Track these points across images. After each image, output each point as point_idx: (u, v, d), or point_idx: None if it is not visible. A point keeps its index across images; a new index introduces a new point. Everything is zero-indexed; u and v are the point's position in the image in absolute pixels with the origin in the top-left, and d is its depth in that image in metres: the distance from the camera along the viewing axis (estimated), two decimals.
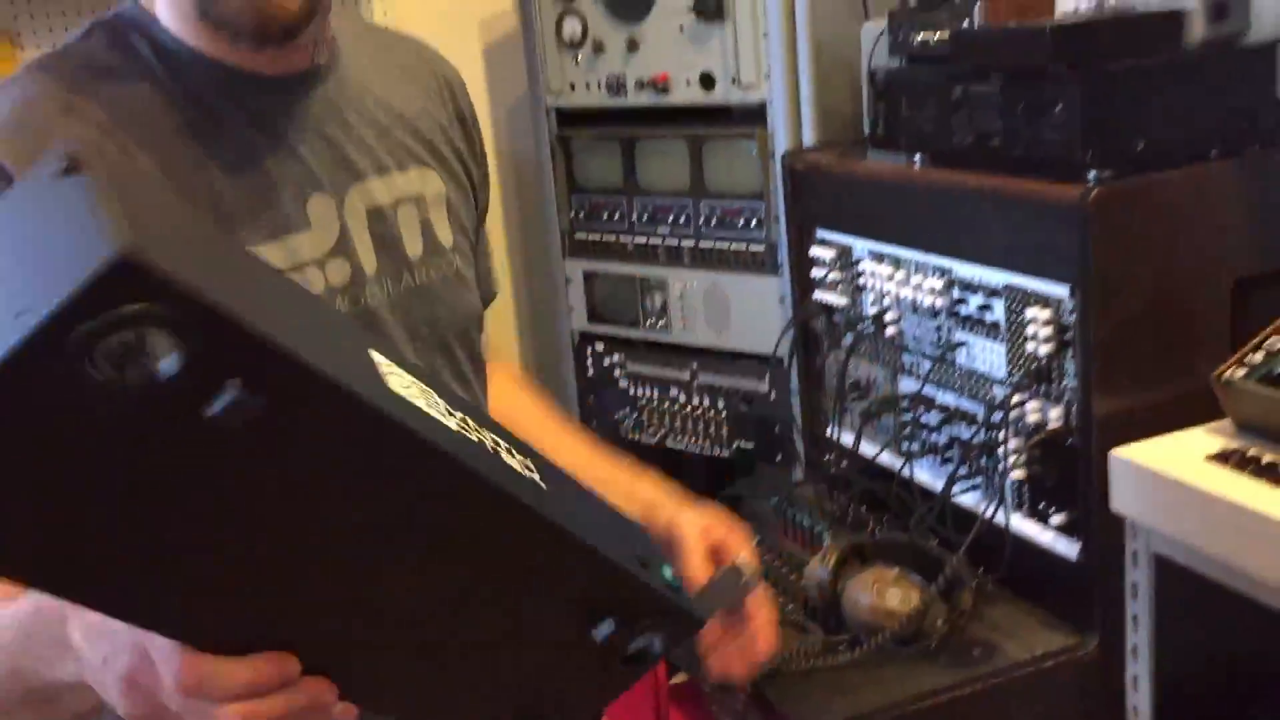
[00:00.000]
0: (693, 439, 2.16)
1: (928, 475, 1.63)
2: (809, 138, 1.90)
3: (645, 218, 2.14)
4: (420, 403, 0.64)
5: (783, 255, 1.94)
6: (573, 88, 2.16)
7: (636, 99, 2.07)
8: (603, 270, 2.22)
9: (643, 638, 0.74)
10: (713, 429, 2.13)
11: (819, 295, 1.82)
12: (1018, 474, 1.47)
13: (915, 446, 1.64)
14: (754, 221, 1.98)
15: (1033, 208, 1.37)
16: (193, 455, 0.55)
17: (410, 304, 1.04)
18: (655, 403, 2.20)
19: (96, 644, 0.69)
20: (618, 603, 0.72)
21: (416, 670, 0.72)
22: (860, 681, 1.35)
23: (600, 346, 2.26)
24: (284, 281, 0.74)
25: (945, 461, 1.61)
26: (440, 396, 0.68)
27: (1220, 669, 1.40)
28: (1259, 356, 1.26)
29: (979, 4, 1.48)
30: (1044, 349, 1.40)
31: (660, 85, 2.02)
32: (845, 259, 1.76)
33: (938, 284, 1.56)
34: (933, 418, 1.62)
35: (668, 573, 0.77)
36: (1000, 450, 1.48)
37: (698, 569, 1.07)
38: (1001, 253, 1.44)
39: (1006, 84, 1.40)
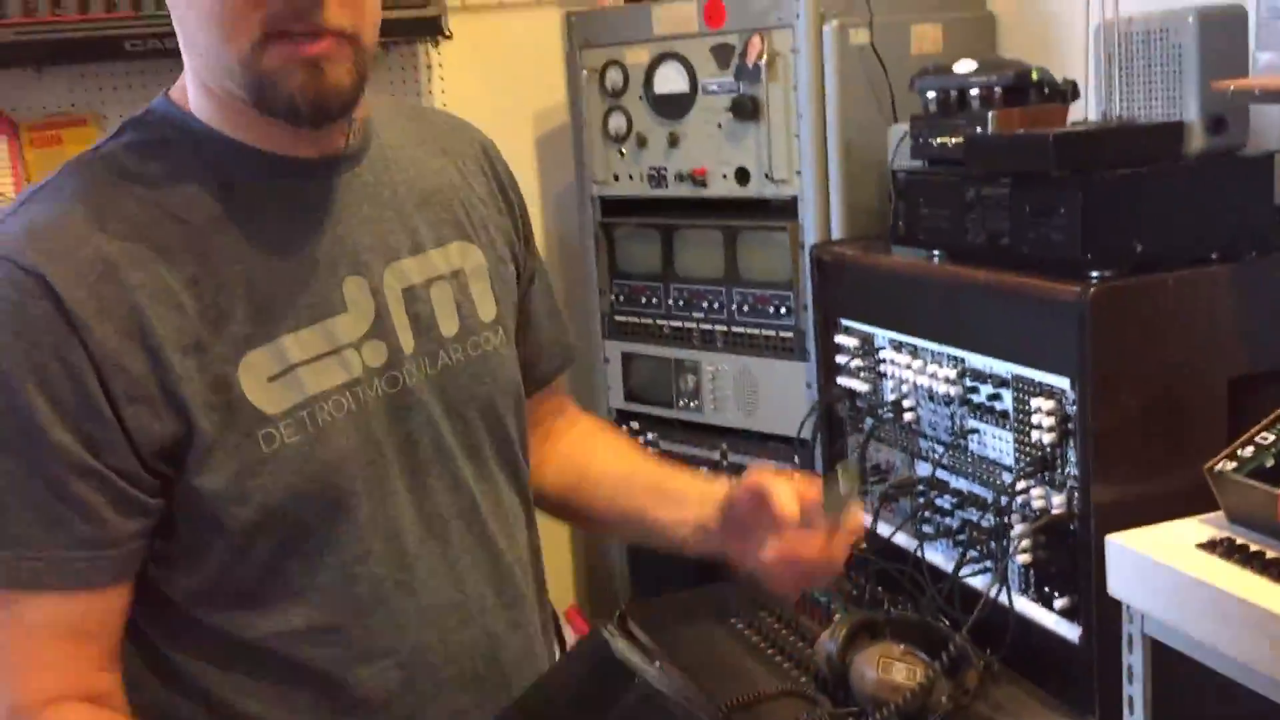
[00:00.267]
0: None
1: (941, 557, 1.69)
2: (837, 231, 2.00)
3: (681, 303, 2.24)
4: None
5: (810, 342, 2.02)
6: (616, 178, 2.28)
7: (676, 190, 2.19)
8: (640, 352, 2.32)
9: None
10: None
11: (843, 381, 1.90)
12: (1024, 558, 1.53)
13: (930, 529, 1.70)
14: (784, 309, 2.07)
15: (1036, 303, 1.45)
16: None
17: (446, 383, 1.04)
18: None
19: None
20: None
21: None
22: None
23: (636, 425, 2.35)
24: None
25: (958, 544, 1.67)
26: None
27: None
28: (1249, 451, 1.32)
29: (992, 113, 1.57)
30: (1048, 438, 1.47)
31: (698, 178, 2.14)
32: (868, 347, 1.85)
33: (951, 373, 1.64)
34: (946, 502, 1.68)
35: None
36: (1007, 535, 1.54)
37: (789, 497, 1.07)
38: (1009, 345, 1.52)
39: (1015, 187, 1.49)
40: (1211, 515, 1.35)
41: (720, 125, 2.09)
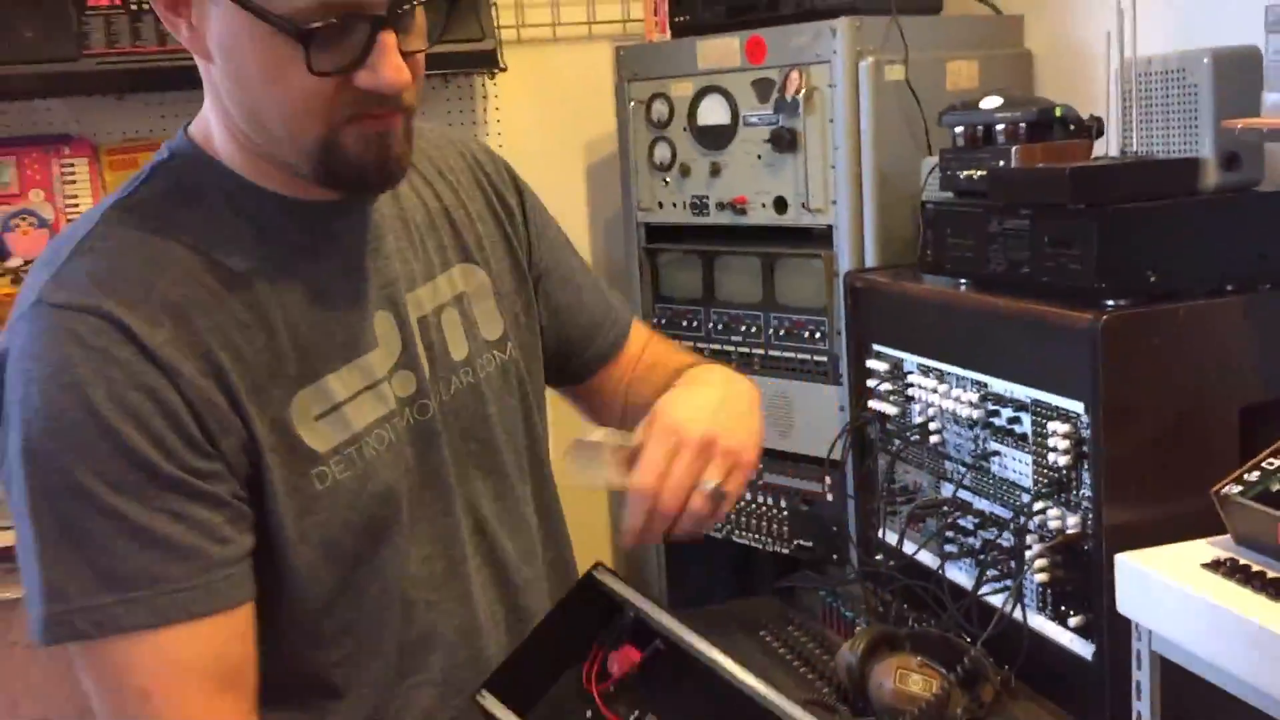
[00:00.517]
0: (756, 535, 2.30)
1: (964, 576, 1.74)
2: (871, 259, 2.07)
3: (721, 327, 2.32)
4: None
5: (843, 366, 2.09)
6: (661, 206, 2.37)
7: (717, 218, 2.27)
8: None
9: None
10: (774, 526, 2.27)
11: (873, 404, 1.96)
12: (1041, 577, 1.58)
13: (953, 549, 1.76)
14: (818, 334, 2.14)
15: (1053, 330, 1.51)
16: None
17: (460, 407, 1.06)
18: None
19: None
20: None
21: None
22: None
23: None
24: None
25: (980, 564, 1.72)
26: None
27: None
28: (1255, 475, 1.36)
29: (1015, 147, 1.64)
30: (1063, 460, 1.52)
31: (739, 207, 2.22)
32: (897, 371, 1.91)
33: (974, 397, 1.69)
34: (969, 522, 1.74)
35: None
36: (1024, 554, 1.59)
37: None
38: (1028, 370, 1.58)
39: (1034, 219, 1.55)
40: (1220, 538, 1.39)
41: (760, 156, 2.17)
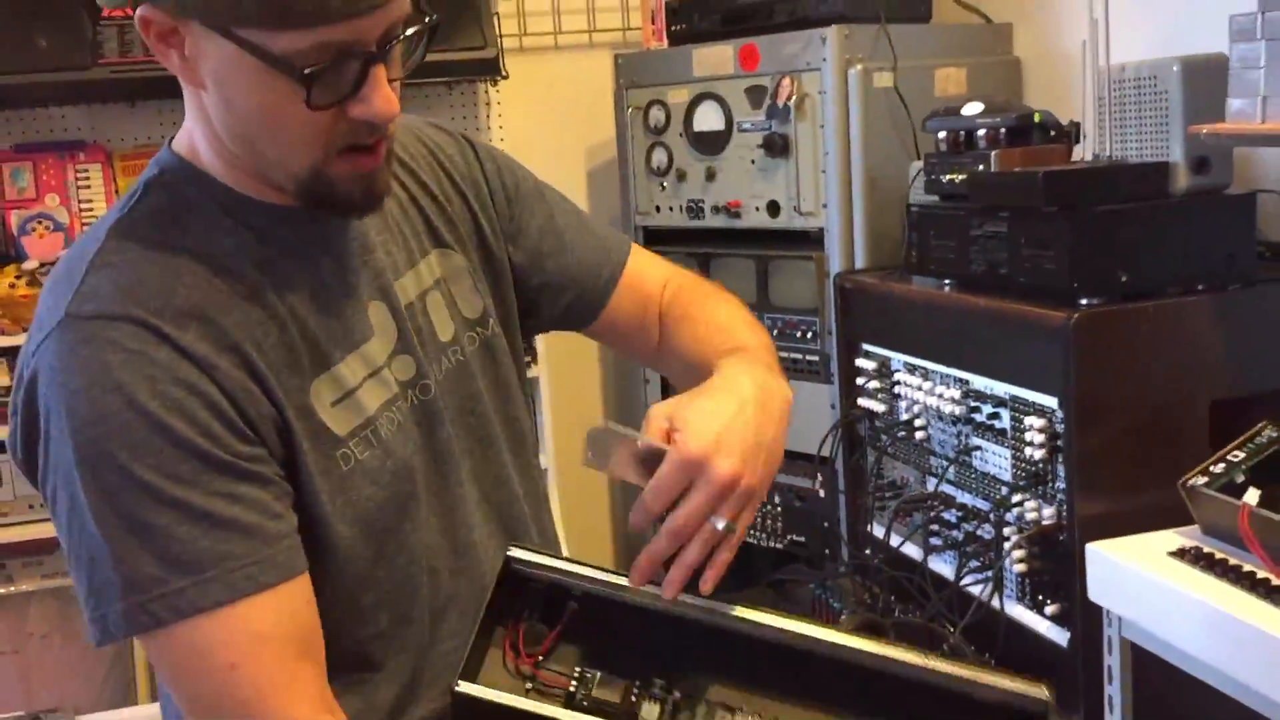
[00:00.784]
0: (751, 531, 2.33)
1: (948, 567, 1.80)
2: (861, 261, 2.12)
3: None
4: None
5: (834, 365, 2.14)
6: (658, 209, 2.43)
7: (712, 221, 2.33)
8: None
9: None
10: (769, 522, 2.32)
11: (863, 402, 2.02)
12: (1020, 567, 1.63)
13: (938, 541, 1.81)
14: (810, 334, 2.20)
15: (1028, 328, 1.56)
16: None
17: (453, 385, 1.10)
18: None
19: None
20: None
21: None
22: None
23: None
24: None
25: (964, 555, 1.77)
26: None
27: None
28: (1220, 467, 1.42)
29: (995, 152, 1.70)
30: (1039, 454, 1.57)
31: (733, 210, 2.28)
32: (885, 370, 1.96)
33: (957, 394, 1.75)
34: (952, 515, 1.79)
35: None
36: (1003, 545, 1.64)
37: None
38: (1006, 367, 1.63)
39: (1011, 221, 1.61)
40: (1188, 528, 1.45)
41: (753, 161, 2.23)
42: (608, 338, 1.31)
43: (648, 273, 1.28)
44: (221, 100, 0.94)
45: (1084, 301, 1.52)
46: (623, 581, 0.98)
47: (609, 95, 2.56)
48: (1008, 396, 1.64)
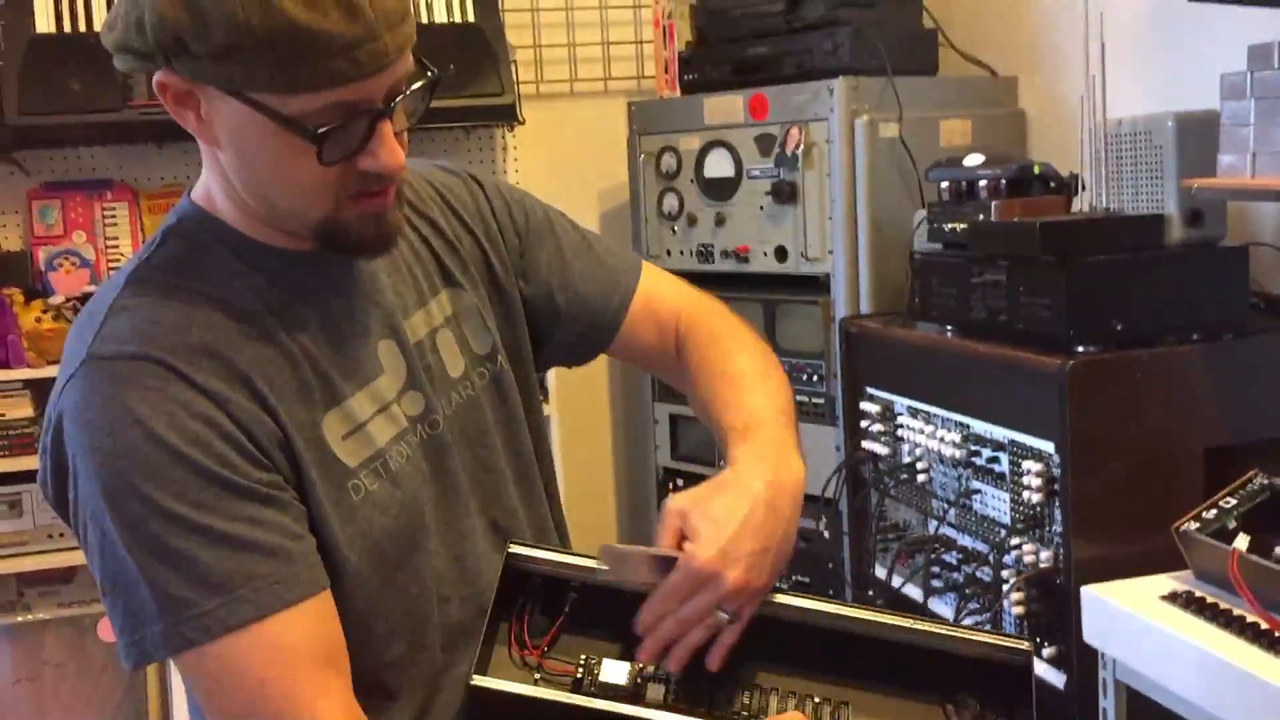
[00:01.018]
0: None
1: (948, 609, 1.82)
2: (866, 306, 2.17)
3: None
4: None
5: (839, 408, 2.18)
6: (669, 253, 2.48)
7: (721, 265, 2.38)
8: (687, 414, 2.49)
9: None
10: None
11: (867, 445, 2.05)
12: (1018, 609, 1.66)
13: (939, 583, 1.84)
14: (816, 377, 2.24)
15: (1026, 374, 1.60)
16: None
17: (463, 420, 1.13)
18: None
19: None
20: None
21: None
22: None
23: (681, 482, 2.52)
24: None
25: (964, 597, 1.80)
26: None
27: None
28: (1213, 513, 1.45)
29: (996, 202, 1.74)
30: (1036, 497, 1.60)
31: (742, 255, 2.33)
32: (888, 413, 2.00)
33: (957, 438, 1.78)
34: (953, 557, 1.82)
35: None
36: (1003, 588, 1.67)
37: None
38: (1005, 412, 1.67)
39: (1010, 270, 1.65)
40: (1181, 572, 1.47)
41: (762, 207, 2.28)
42: (629, 359, 1.35)
43: (662, 295, 1.30)
44: (237, 157, 0.99)
45: (1080, 349, 1.56)
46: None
47: (623, 142, 2.63)
48: (1007, 441, 1.68)
